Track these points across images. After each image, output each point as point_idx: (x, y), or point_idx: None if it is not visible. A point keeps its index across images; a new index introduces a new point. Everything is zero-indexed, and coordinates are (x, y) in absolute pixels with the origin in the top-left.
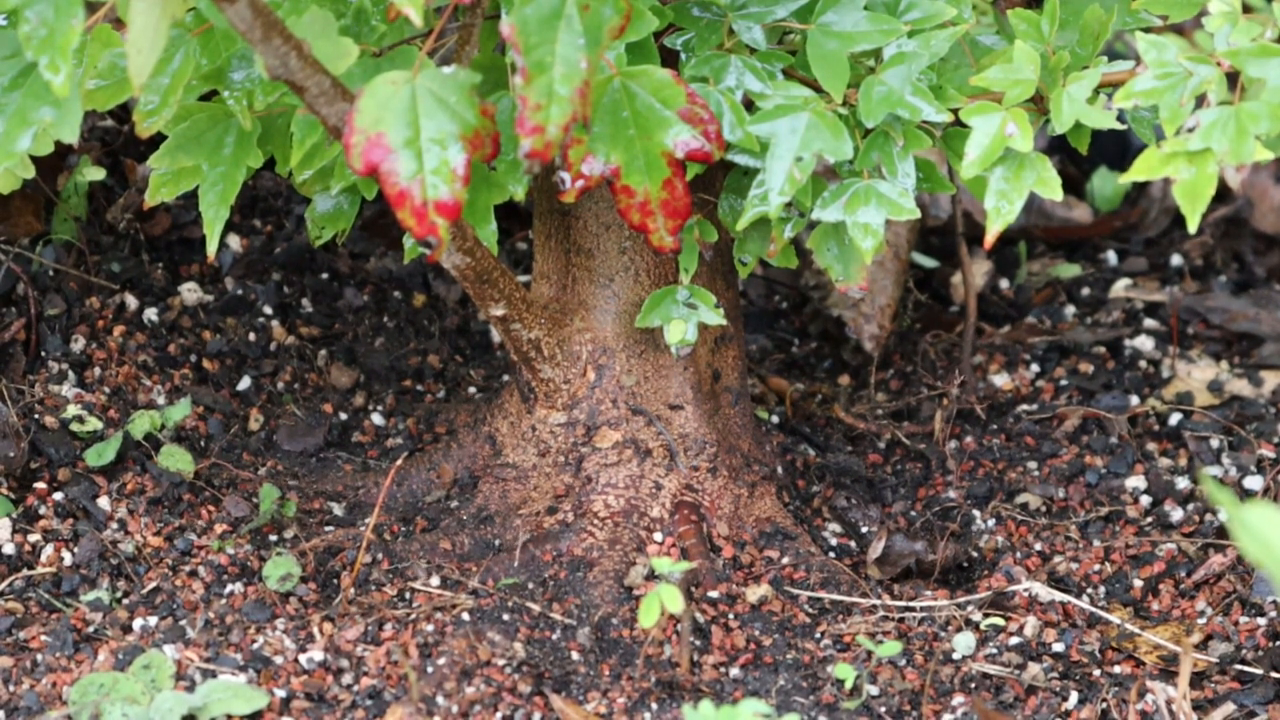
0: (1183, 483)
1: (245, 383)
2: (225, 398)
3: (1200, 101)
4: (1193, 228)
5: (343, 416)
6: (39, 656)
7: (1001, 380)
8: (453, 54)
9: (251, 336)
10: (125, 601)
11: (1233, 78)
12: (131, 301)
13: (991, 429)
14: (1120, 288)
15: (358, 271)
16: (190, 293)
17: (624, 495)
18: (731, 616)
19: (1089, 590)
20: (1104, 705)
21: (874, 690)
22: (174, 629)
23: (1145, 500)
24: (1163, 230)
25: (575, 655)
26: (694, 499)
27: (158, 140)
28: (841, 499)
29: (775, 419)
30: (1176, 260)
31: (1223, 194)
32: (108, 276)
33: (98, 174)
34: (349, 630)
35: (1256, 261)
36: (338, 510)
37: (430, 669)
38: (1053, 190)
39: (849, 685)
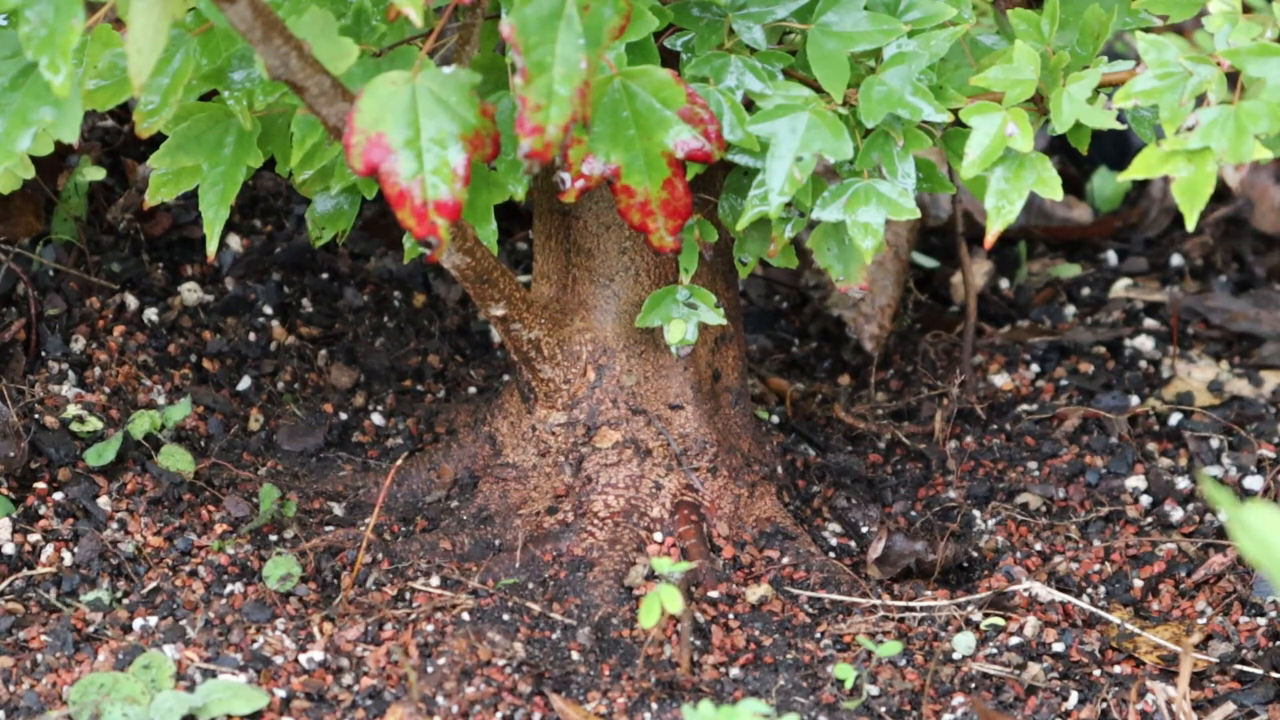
0: (1183, 483)
1: (245, 383)
2: (225, 398)
3: (1200, 101)
4: (1191, 226)
5: (343, 416)
6: (39, 656)
7: (1001, 380)
8: (453, 54)
9: (251, 336)
10: (125, 601)
11: (1233, 77)
12: (131, 301)
13: (991, 429)
14: (1120, 288)
15: (358, 271)
16: (190, 293)
17: (624, 495)
18: (731, 616)
19: (1089, 590)
20: (1104, 705)
21: (874, 690)
22: (174, 629)
23: (1145, 500)
24: (1163, 230)
25: (575, 655)
26: (694, 499)
27: (158, 140)
28: (841, 499)
29: (775, 419)
30: (1176, 260)
31: (1223, 194)
32: (108, 276)
33: (98, 174)
34: (349, 630)
35: (1256, 261)
36: (338, 510)
37: (430, 669)
38: (1053, 190)
39: (849, 685)
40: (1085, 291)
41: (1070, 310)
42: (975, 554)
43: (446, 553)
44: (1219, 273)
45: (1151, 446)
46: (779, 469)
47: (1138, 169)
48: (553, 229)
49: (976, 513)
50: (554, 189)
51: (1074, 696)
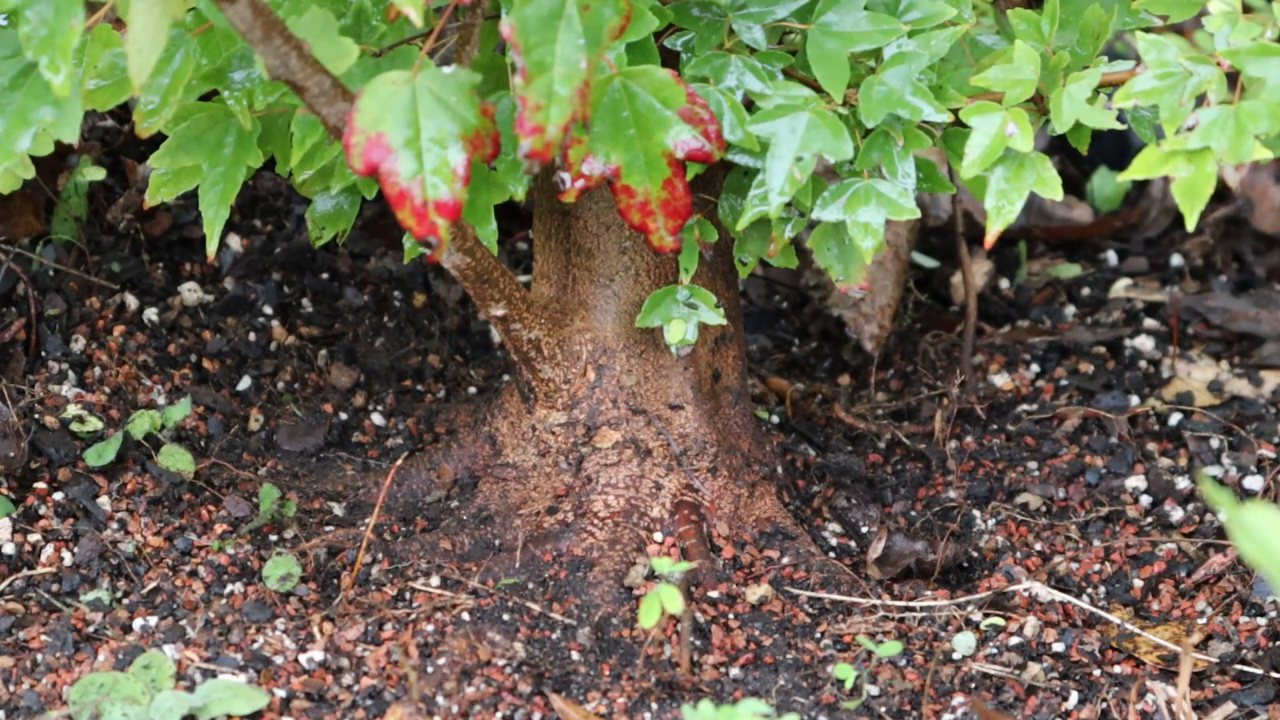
0: (1183, 483)
1: (245, 383)
2: (225, 398)
3: (1200, 101)
4: (1191, 226)
5: (343, 416)
6: (39, 656)
7: (1001, 380)
8: (453, 54)
9: (251, 336)
10: (125, 601)
11: (1233, 77)
12: (131, 301)
13: (991, 429)
14: (1120, 288)
15: (358, 271)
16: (190, 293)
17: (624, 495)
18: (731, 616)
19: (1089, 590)
20: (1104, 705)
21: (874, 690)
22: (174, 629)
23: (1145, 500)
24: (1163, 230)
25: (575, 655)
26: (694, 499)
27: (158, 140)
28: (841, 499)
29: (775, 419)
30: (1176, 260)
31: (1223, 194)
32: (108, 276)
33: (98, 174)
34: (349, 630)
35: (1256, 261)
36: (338, 510)
37: (430, 669)
38: (1053, 190)
39: (849, 685)
40: (1085, 291)
41: (1070, 310)
42: (975, 554)
43: (446, 553)
44: (1219, 273)
45: (1151, 446)
46: (779, 469)
47: (1137, 169)
48: (553, 229)
49: (976, 513)
50: (554, 189)
51: (1074, 696)
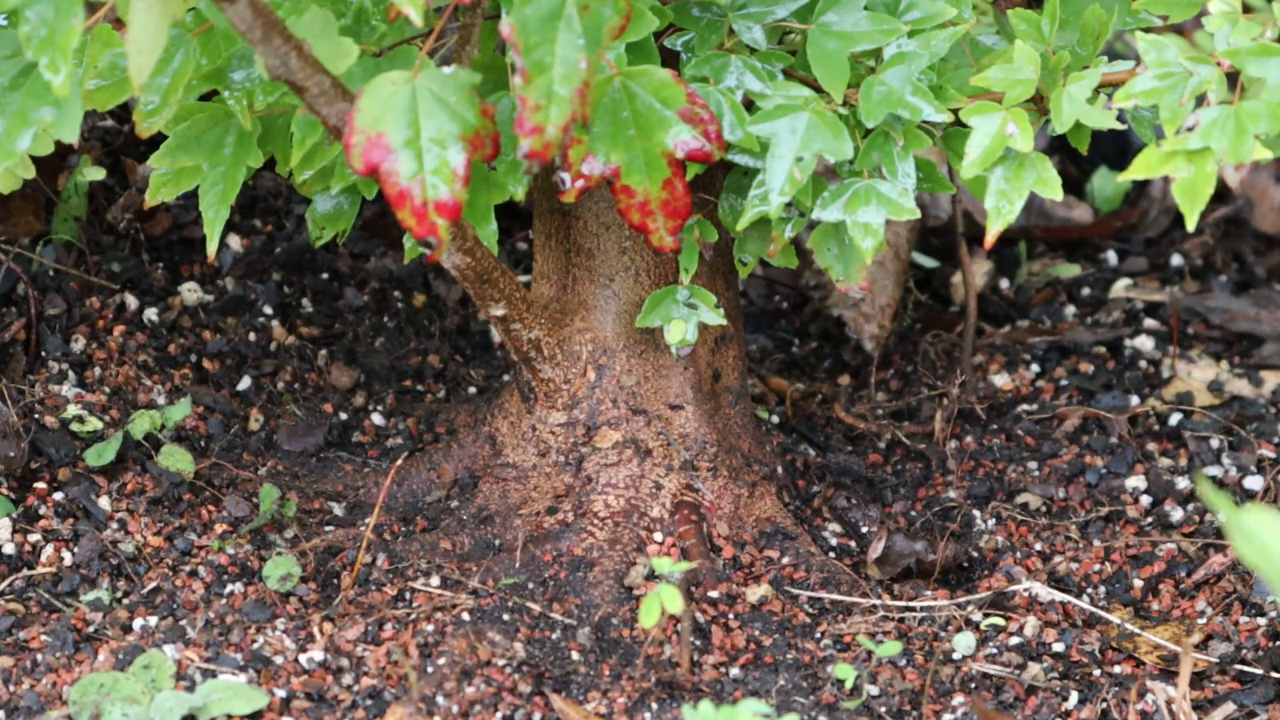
0: (1183, 483)
1: (245, 383)
2: (225, 398)
3: (1200, 101)
4: (1191, 226)
5: (343, 416)
6: (39, 656)
7: (1001, 380)
8: (453, 54)
9: (251, 336)
10: (125, 601)
11: (1233, 77)
12: (131, 301)
13: (991, 429)
14: (1120, 288)
15: (358, 271)
16: (190, 293)
17: (624, 495)
18: (731, 616)
19: (1089, 590)
20: (1104, 705)
21: (874, 690)
22: (174, 629)
23: (1145, 500)
24: (1163, 230)
25: (575, 655)
26: (694, 499)
27: (158, 140)
28: (841, 499)
29: (775, 419)
30: (1176, 260)
31: (1223, 194)
32: (108, 276)
33: (98, 174)
34: (349, 630)
35: (1256, 261)
36: (338, 510)
37: (430, 669)
38: (1053, 190)
39: (849, 685)
40: (1085, 291)
41: (1070, 310)
42: (975, 554)
43: (446, 553)
44: (1219, 273)
45: (1151, 446)
46: (779, 469)
47: (1138, 169)
48: (553, 229)
49: (976, 513)
50: (554, 189)
51: (1074, 696)
